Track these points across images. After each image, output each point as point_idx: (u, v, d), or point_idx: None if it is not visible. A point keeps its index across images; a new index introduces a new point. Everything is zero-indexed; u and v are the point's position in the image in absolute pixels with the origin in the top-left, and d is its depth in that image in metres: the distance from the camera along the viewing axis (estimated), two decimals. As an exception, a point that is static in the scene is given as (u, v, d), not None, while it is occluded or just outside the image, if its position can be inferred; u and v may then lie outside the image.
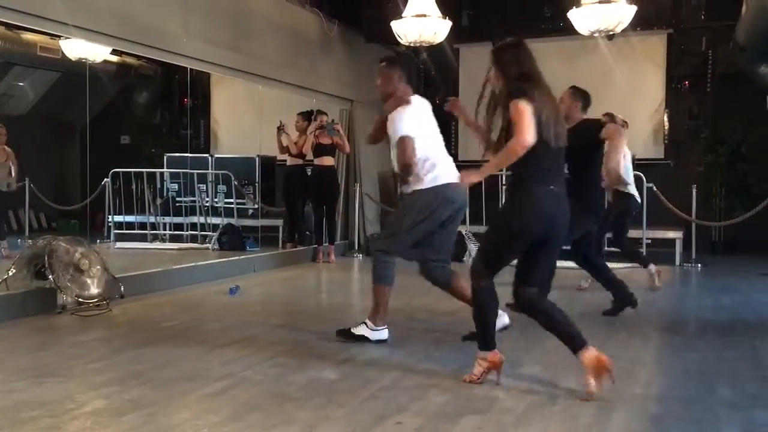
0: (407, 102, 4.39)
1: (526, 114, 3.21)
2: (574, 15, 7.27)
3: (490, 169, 3.42)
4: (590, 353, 3.20)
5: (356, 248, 9.67)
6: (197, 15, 7.04)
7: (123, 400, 3.18)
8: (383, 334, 4.37)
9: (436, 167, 4.27)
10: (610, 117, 6.19)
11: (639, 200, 6.64)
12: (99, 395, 3.26)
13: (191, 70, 9.48)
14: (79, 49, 8.24)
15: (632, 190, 6.42)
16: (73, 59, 8.47)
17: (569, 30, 7.46)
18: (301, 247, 9.09)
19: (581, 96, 5.24)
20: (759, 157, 9.62)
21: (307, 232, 9.38)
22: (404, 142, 4.23)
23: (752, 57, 8.81)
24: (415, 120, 4.35)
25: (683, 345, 4.47)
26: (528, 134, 3.20)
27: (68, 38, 7.59)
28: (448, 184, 4.23)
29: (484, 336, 3.45)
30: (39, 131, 10.56)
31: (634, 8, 7.16)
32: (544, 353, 4.09)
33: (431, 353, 4.15)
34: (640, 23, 8.17)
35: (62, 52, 8.53)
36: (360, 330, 4.38)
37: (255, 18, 8.03)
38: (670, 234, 8.80)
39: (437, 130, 4.47)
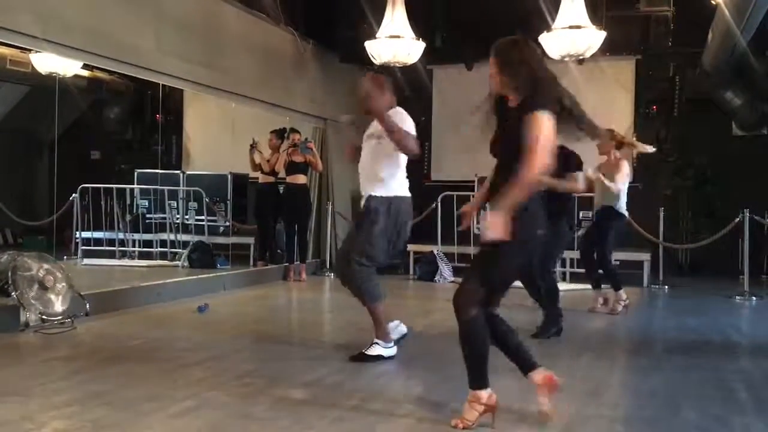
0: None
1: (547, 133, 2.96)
2: (545, 39, 7.39)
3: (509, 206, 2.94)
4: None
5: (328, 267, 9.63)
6: (171, 31, 7.01)
7: (84, 420, 3.11)
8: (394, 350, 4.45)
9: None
10: (611, 134, 6.43)
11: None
12: (59, 415, 3.19)
13: (164, 86, 9.43)
14: (49, 63, 8.17)
15: (622, 209, 6.54)
16: (43, 73, 8.39)
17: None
18: (272, 266, 9.04)
19: None
20: (725, 181, 9.81)
21: (279, 251, 9.33)
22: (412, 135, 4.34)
23: (718, 82, 9.04)
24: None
25: (649, 366, 4.51)
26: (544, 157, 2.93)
27: (38, 52, 7.53)
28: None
29: (479, 373, 3.06)
30: (7, 145, 10.40)
31: (603, 34, 7.31)
32: (510, 375, 4.10)
33: (400, 374, 4.14)
34: (609, 48, 8.34)
35: (32, 65, 8.44)
36: (374, 350, 4.37)
37: (229, 35, 8.02)
38: (639, 256, 8.91)
39: None
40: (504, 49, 3.17)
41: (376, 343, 4.39)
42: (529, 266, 4.77)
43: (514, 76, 3.11)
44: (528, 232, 3.03)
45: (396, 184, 4.44)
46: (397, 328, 4.64)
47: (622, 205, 6.53)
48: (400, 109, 4.48)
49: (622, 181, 6.43)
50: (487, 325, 3.09)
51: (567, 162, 5.14)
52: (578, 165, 5.39)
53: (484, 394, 3.06)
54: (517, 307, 5.62)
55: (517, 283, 5.34)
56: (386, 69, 9.48)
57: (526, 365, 3.19)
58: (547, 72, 3.15)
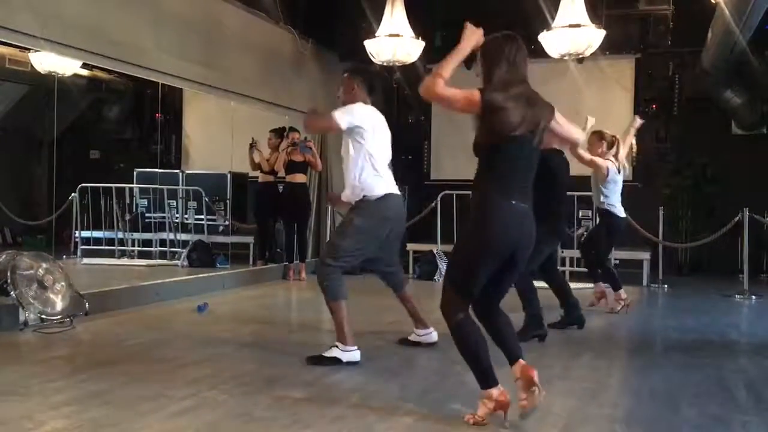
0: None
1: (460, 92, 3.09)
2: (544, 38, 7.39)
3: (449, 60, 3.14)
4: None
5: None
6: (169, 30, 7.00)
7: (83, 419, 3.10)
8: (355, 355, 4.31)
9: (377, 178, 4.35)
10: (599, 135, 6.36)
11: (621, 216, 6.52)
12: (59, 414, 3.19)
13: (163, 85, 9.42)
14: (48, 62, 8.17)
15: (611, 207, 6.44)
16: (42, 72, 8.39)
17: (540, 53, 7.57)
18: (272, 265, 9.03)
19: None
20: (724, 180, 9.81)
21: (278, 250, 9.32)
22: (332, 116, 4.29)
23: (717, 82, 9.03)
24: (366, 116, 4.35)
25: (649, 366, 4.51)
26: (443, 91, 3.07)
27: (38, 51, 7.52)
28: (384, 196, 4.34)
29: (482, 373, 3.06)
30: (6, 145, 10.39)
31: (603, 33, 7.31)
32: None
33: (400, 372, 4.13)
34: (609, 47, 8.35)
35: (31, 65, 8.43)
36: (331, 353, 4.31)
37: (228, 34, 8.01)
38: (638, 255, 8.91)
39: (388, 143, 4.52)
40: (487, 43, 3.25)
41: (335, 345, 4.30)
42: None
43: (485, 70, 3.20)
44: (487, 224, 3.05)
45: (365, 184, 4.31)
46: (429, 335, 4.80)
47: (612, 203, 6.42)
48: (356, 105, 4.39)
49: (603, 169, 6.31)
50: (476, 325, 3.11)
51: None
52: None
53: (495, 391, 3.05)
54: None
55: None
56: (386, 69, 9.52)
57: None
58: (515, 76, 3.16)
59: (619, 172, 6.44)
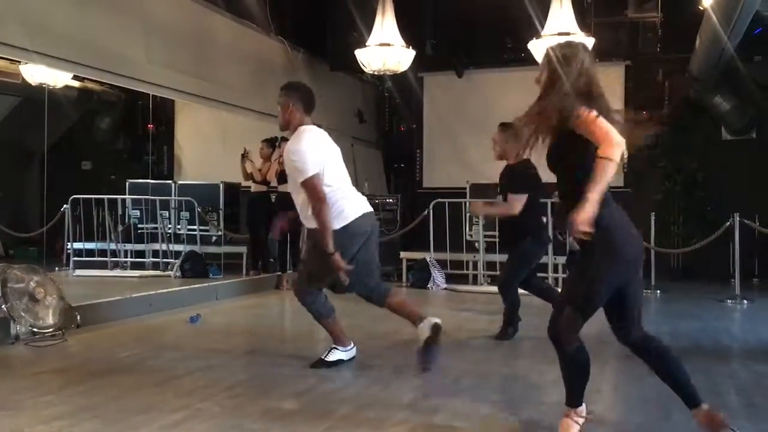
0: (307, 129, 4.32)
1: (602, 121, 2.74)
2: (534, 46, 7.44)
3: (594, 200, 2.75)
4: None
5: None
6: (160, 41, 7.02)
7: (74, 433, 3.10)
8: (353, 351, 4.53)
9: (341, 203, 4.22)
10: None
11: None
12: (49, 429, 3.17)
13: (155, 96, 9.43)
14: (39, 74, 8.17)
15: None
16: (33, 84, 8.38)
17: (530, 60, 7.61)
18: (265, 275, 9.02)
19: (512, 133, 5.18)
20: (715, 185, 9.87)
21: (271, 260, 9.31)
22: (312, 182, 4.08)
23: (706, 88, 9.10)
24: (319, 148, 4.26)
25: (641, 371, 4.49)
26: (617, 135, 2.69)
27: (28, 63, 7.52)
28: (354, 219, 4.22)
29: (581, 390, 3.21)
30: (-3, 156, 10.37)
31: (592, 40, 7.35)
32: (503, 381, 4.11)
33: (391, 382, 4.13)
34: (598, 55, 8.32)
35: (22, 77, 8.43)
36: (333, 356, 4.44)
37: (219, 45, 8.04)
38: (630, 261, 8.91)
39: (341, 159, 4.44)
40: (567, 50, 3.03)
41: (335, 348, 4.48)
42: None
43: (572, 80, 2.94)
44: (619, 241, 2.93)
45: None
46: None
47: None
48: (301, 130, 4.29)
49: None
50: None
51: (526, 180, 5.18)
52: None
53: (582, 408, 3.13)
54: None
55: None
56: (376, 78, 9.54)
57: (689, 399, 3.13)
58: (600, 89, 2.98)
59: None
